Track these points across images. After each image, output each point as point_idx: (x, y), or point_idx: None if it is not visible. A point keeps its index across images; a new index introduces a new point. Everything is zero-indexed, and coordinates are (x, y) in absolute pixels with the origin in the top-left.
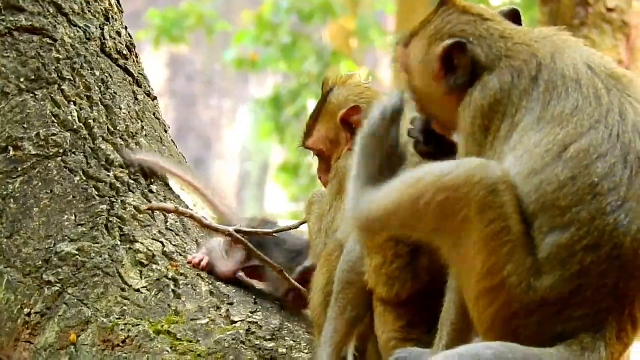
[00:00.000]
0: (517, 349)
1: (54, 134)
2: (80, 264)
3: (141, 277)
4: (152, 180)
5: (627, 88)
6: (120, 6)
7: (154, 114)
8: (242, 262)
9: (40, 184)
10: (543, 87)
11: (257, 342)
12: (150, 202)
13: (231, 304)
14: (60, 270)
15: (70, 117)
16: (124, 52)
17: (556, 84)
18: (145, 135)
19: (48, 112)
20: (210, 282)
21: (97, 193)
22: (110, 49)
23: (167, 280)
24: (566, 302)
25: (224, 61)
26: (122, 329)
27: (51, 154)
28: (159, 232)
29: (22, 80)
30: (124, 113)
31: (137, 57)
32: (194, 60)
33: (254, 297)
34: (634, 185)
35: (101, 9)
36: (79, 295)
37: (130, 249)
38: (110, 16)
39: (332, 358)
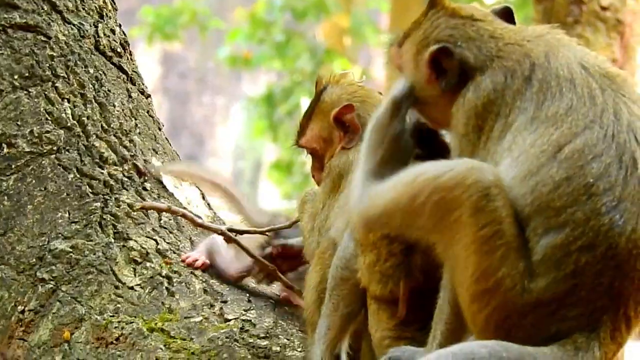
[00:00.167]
0: (511, 347)
1: (47, 131)
2: (74, 261)
3: (135, 275)
4: (146, 178)
5: (621, 87)
6: (114, 4)
7: (148, 112)
8: (248, 268)
9: (33, 181)
10: (536, 87)
11: (251, 340)
12: (143, 199)
13: (225, 302)
14: (53, 267)
15: (64, 115)
16: (118, 50)
17: (550, 84)
18: (139, 133)
19: (42, 109)
20: (204, 279)
21: (90, 190)
22: (104, 47)
23: (161, 278)
24: (561, 302)
25: (217, 59)
26: (115, 327)
27: (45, 151)
28: (153, 229)
29: (15, 77)
30: (117, 110)
31: (131, 54)
32: (187, 58)
33: (247, 295)
34: (629, 186)
35: (95, 7)
36: (73, 292)
37: (123, 246)
38: (104, 14)
39: (326, 355)
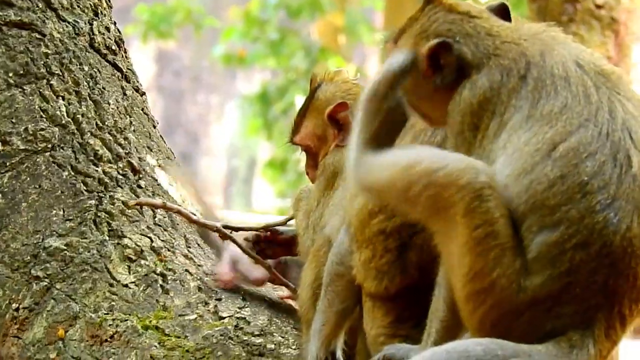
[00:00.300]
0: (506, 345)
1: (42, 129)
2: (69, 259)
3: (129, 273)
4: (140, 176)
5: (616, 85)
6: (109, 1)
7: (143, 109)
8: (274, 266)
9: (28, 178)
10: (532, 86)
11: (245, 338)
12: (138, 197)
13: (219, 299)
14: (48, 265)
15: (58, 112)
16: (113, 48)
17: (545, 82)
18: (134, 131)
19: (36, 106)
20: (198, 277)
21: (85, 188)
22: (99, 44)
23: (155, 276)
24: (556, 300)
25: (212, 57)
26: (110, 324)
27: (39, 148)
28: (147, 227)
29: (10, 75)
30: (112, 108)
31: (125, 52)
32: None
33: (242, 293)
34: (623, 184)
35: (90, 4)
36: (67, 290)
37: (118, 244)
38: (99, 11)
39: (321, 351)
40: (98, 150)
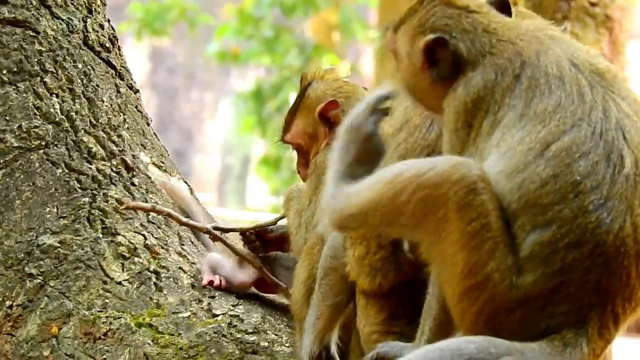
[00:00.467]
0: (499, 343)
1: (36, 126)
2: (62, 256)
3: (123, 270)
4: (134, 173)
5: (610, 84)
6: None
7: (136, 107)
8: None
9: (22, 176)
10: (525, 84)
11: (239, 336)
12: (132, 195)
13: (213, 297)
14: (42, 262)
15: (52, 110)
16: (107, 45)
17: (539, 82)
18: (128, 128)
19: (30, 104)
20: (192, 275)
21: (79, 185)
22: (93, 42)
23: (149, 273)
24: (549, 299)
25: (206, 54)
26: (103, 322)
27: (33, 146)
28: (141, 224)
29: (4, 72)
30: (106, 106)
31: (119, 49)
32: (176, 53)
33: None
34: (616, 184)
35: (84, 2)
36: (61, 287)
37: (112, 241)
38: (93, 9)
39: (315, 344)
40: (92, 148)
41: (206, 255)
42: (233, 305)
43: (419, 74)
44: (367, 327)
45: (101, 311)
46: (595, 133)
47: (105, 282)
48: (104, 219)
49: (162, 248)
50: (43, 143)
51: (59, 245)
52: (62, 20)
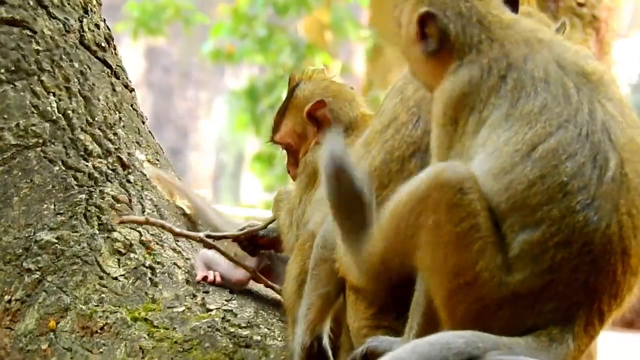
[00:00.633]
0: (487, 337)
1: (33, 124)
2: (60, 252)
3: (119, 266)
4: (130, 171)
5: (597, 86)
6: None
7: (132, 105)
8: (257, 266)
9: (20, 173)
10: (511, 85)
11: (232, 330)
12: (127, 191)
13: (207, 292)
14: (39, 258)
15: (49, 108)
16: (102, 44)
17: (524, 83)
18: (123, 126)
19: (28, 102)
20: (186, 270)
21: (75, 183)
22: (89, 41)
23: (144, 269)
24: (537, 297)
25: (201, 53)
26: (100, 316)
27: (31, 144)
28: None
29: (2, 71)
30: (102, 104)
31: (115, 49)
32: (171, 52)
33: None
34: (602, 185)
35: (80, 2)
36: (58, 282)
37: (108, 237)
38: (89, 9)
39: (307, 335)
40: (88, 146)
41: (200, 251)
42: (226, 300)
43: (413, 45)
44: (356, 321)
45: (98, 306)
46: (582, 135)
47: (101, 278)
48: (100, 216)
49: (157, 244)
50: (40, 141)
51: (56, 241)
52: (59, 20)
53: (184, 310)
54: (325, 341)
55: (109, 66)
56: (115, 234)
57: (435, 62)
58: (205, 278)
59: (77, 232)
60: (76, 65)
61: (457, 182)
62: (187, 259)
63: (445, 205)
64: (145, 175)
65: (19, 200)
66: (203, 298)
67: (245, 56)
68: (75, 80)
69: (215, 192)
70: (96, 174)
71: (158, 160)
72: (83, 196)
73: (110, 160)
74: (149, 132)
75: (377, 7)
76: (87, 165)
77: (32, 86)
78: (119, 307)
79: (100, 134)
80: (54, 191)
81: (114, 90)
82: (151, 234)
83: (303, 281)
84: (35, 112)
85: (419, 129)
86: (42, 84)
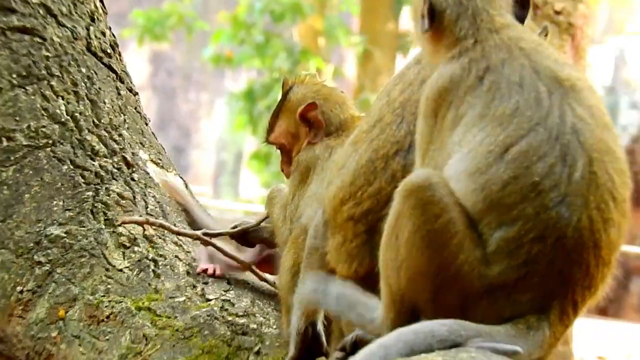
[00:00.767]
0: (469, 326)
1: (43, 126)
2: (68, 245)
3: (124, 258)
4: (134, 169)
5: (568, 91)
6: (105, 8)
7: (135, 108)
8: (257, 254)
9: (31, 172)
10: (487, 86)
11: (230, 318)
12: (132, 189)
13: (206, 283)
14: (49, 251)
15: (58, 111)
16: (108, 51)
17: (499, 86)
18: (127, 128)
19: (38, 105)
20: (187, 263)
21: (83, 181)
22: (96, 48)
23: (148, 261)
24: (515, 288)
25: (202, 58)
26: (106, 306)
27: (41, 144)
28: (140, 216)
29: (14, 76)
30: (107, 107)
31: (120, 55)
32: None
33: (227, 277)
34: (572, 183)
35: (87, 11)
36: (67, 274)
37: (113, 232)
38: (96, 17)
39: (302, 320)
40: (95, 146)
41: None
42: (225, 291)
43: (418, 20)
44: None
45: (104, 296)
46: (551, 137)
47: (107, 270)
48: (106, 212)
49: (160, 238)
50: (50, 141)
51: (65, 235)
52: (67, 28)
53: (184, 300)
54: (320, 327)
55: (114, 71)
56: (120, 229)
57: (431, 44)
58: (205, 270)
59: (84, 227)
60: (83, 70)
61: (424, 181)
62: (187, 251)
63: (419, 206)
64: (148, 173)
65: (30, 197)
66: (203, 289)
67: (244, 60)
68: (83, 84)
69: (215, 188)
70: (102, 173)
71: (160, 159)
72: (90, 193)
73: (116, 160)
74: (152, 133)
75: (367, 15)
76: (93, 165)
77: (42, 90)
78: (124, 297)
79: (106, 135)
80: (62, 189)
81: (119, 94)
82: (154, 229)
83: (296, 272)
84: (45, 114)
85: (402, 130)
86: (51, 88)
